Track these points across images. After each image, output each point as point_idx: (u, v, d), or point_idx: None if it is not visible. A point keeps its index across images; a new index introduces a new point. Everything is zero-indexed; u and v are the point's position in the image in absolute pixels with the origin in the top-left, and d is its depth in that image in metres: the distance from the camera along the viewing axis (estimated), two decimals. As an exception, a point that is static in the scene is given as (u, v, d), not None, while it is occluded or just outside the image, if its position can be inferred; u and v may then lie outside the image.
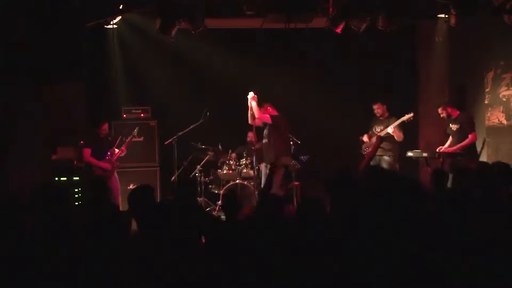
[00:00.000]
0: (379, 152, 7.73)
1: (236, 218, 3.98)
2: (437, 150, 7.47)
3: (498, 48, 7.89)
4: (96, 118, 7.62)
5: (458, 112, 7.49)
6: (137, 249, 3.12)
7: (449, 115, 7.46)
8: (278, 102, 7.69)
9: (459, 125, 7.39)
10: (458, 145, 7.31)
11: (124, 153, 7.50)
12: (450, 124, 7.50)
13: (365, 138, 7.90)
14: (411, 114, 7.54)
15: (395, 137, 7.58)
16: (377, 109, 7.83)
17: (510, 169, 4.02)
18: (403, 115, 7.56)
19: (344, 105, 8.71)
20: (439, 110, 7.51)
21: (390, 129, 7.51)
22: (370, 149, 7.72)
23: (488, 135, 7.98)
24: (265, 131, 7.44)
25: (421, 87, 9.17)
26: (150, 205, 3.28)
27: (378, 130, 7.77)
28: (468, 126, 7.35)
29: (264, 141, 7.44)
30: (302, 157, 7.96)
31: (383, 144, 7.71)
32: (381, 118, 7.85)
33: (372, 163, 7.68)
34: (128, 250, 3.15)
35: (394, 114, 7.80)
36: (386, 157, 7.67)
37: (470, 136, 7.29)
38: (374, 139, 7.74)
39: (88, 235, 3.31)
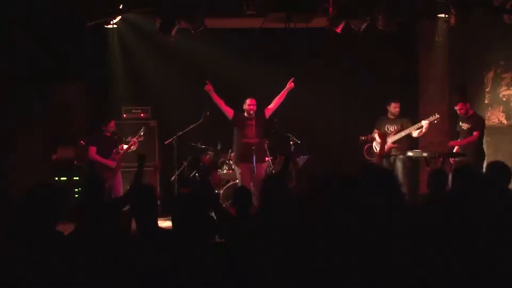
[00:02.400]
0: (394, 151, 7.70)
1: (248, 214, 3.98)
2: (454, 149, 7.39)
3: (498, 48, 7.90)
4: (102, 116, 7.60)
5: (472, 112, 7.37)
6: (138, 249, 3.12)
7: (466, 112, 7.31)
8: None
9: (470, 125, 7.26)
10: (461, 141, 7.26)
11: (136, 145, 7.50)
12: (461, 123, 7.37)
13: (377, 137, 7.80)
14: (438, 116, 7.49)
15: (417, 133, 7.56)
16: (398, 107, 7.77)
17: (507, 168, 4.02)
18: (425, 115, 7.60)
19: (344, 105, 8.72)
20: (459, 106, 7.30)
21: (424, 123, 7.44)
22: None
23: (488, 135, 7.98)
24: (258, 129, 7.33)
25: (421, 87, 9.17)
26: (150, 205, 3.27)
27: (392, 129, 7.75)
28: (476, 125, 7.22)
29: (259, 139, 7.34)
30: (301, 157, 7.96)
31: (400, 143, 7.69)
32: (392, 117, 7.80)
33: (386, 162, 7.68)
34: (128, 250, 3.15)
35: (385, 114, 7.88)
36: (401, 156, 7.64)
37: (474, 133, 7.18)
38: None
39: (86, 236, 3.31)
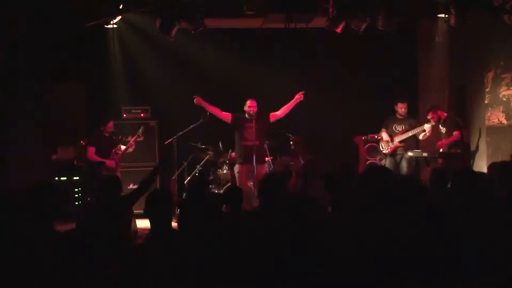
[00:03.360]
0: (400, 151, 7.74)
1: (239, 213, 3.97)
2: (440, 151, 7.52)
3: (498, 48, 7.88)
4: (101, 116, 7.61)
5: (445, 115, 7.61)
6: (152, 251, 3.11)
7: (438, 119, 7.54)
8: (278, 102, 7.67)
9: (446, 127, 7.52)
10: (446, 141, 7.47)
11: (133, 147, 7.52)
12: (440, 126, 7.61)
13: (385, 136, 7.83)
14: (446, 114, 7.57)
15: (422, 136, 7.62)
16: (405, 108, 7.81)
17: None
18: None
19: (344, 105, 8.71)
20: (430, 115, 7.55)
21: (427, 126, 7.51)
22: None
23: (488, 135, 7.98)
24: (258, 131, 7.29)
25: (421, 87, 9.17)
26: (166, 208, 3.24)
27: (399, 129, 7.78)
28: (453, 127, 7.48)
29: (258, 141, 7.33)
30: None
31: (406, 143, 7.71)
32: (400, 117, 7.84)
33: (390, 161, 7.70)
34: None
35: (393, 114, 7.86)
36: (407, 155, 7.68)
37: (454, 133, 7.44)
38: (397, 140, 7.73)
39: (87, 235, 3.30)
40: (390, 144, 7.76)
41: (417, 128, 7.62)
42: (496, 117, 7.98)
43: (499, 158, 7.23)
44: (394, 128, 7.84)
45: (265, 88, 8.09)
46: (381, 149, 7.89)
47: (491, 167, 4.29)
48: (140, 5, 7.22)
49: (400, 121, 7.85)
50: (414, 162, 7.83)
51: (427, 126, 7.51)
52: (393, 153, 7.78)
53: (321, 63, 8.76)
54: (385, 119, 7.96)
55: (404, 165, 7.64)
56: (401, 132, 7.75)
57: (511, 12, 6.92)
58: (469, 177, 3.41)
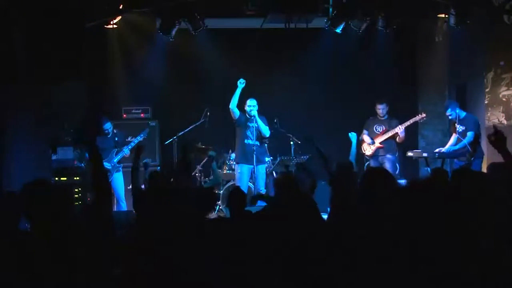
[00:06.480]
0: (381, 152, 7.70)
1: (242, 215, 3.98)
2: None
3: (498, 48, 7.89)
4: (98, 118, 7.62)
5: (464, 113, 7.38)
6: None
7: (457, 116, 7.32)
8: (278, 102, 7.68)
9: (465, 127, 7.25)
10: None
11: (128, 155, 7.49)
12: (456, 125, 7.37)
13: (366, 138, 7.81)
14: (424, 115, 7.50)
15: (398, 139, 7.57)
16: (384, 109, 7.76)
17: None
18: (412, 116, 7.56)
19: (344, 105, 8.71)
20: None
21: (399, 128, 7.49)
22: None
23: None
24: (255, 131, 7.27)
25: (421, 87, 9.17)
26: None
27: (380, 130, 7.73)
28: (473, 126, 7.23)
29: (259, 141, 7.33)
30: (301, 157, 7.95)
31: (387, 144, 7.68)
32: (381, 118, 7.80)
33: (374, 163, 7.67)
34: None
35: (394, 114, 7.85)
36: (389, 156, 7.65)
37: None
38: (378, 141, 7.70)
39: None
40: (372, 146, 7.72)
41: (392, 130, 7.58)
42: (496, 117, 7.99)
43: (498, 159, 7.20)
44: (374, 129, 7.79)
45: (265, 88, 8.09)
46: (363, 151, 7.82)
47: (490, 167, 4.27)
48: (140, 5, 7.22)
49: (380, 122, 7.76)
50: (398, 162, 7.79)
51: (398, 128, 7.49)
52: (375, 155, 7.72)
53: (321, 63, 8.76)
54: (366, 120, 7.90)
55: (388, 166, 7.52)
56: (382, 133, 7.70)
57: (511, 12, 6.92)
58: (469, 177, 3.40)
